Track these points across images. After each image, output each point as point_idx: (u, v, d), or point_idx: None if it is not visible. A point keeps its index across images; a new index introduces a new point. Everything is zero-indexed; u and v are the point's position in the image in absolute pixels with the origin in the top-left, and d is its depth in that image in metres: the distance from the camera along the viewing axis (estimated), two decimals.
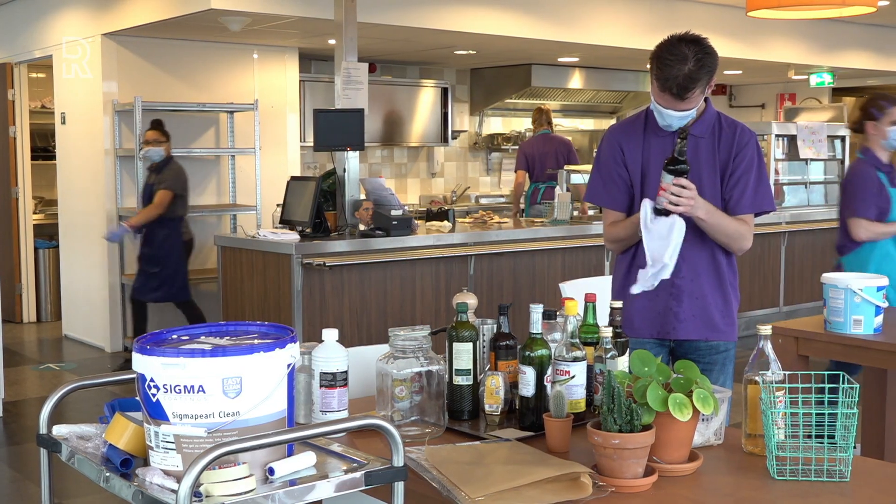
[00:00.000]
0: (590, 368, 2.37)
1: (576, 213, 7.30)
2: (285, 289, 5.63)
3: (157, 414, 1.73)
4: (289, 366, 1.81)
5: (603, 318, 2.54)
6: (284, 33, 7.65)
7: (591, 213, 7.47)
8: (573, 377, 2.30)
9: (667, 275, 2.92)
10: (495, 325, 2.50)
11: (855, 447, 2.14)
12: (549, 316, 2.44)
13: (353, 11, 6.29)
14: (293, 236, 5.76)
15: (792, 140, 8.72)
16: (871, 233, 4.57)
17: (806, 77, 11.37)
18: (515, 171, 8.50)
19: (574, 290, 3.65)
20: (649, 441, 1.98)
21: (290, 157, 8.53)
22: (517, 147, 10.74)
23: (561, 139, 8.52)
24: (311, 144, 6.48)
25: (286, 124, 8.51)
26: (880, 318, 3.60)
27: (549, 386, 2.30)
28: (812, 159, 8.90)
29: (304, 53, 8.74)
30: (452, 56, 9.36)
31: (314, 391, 2.31)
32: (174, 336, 1.91)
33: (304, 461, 1.79)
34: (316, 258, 5.59)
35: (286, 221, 6.15)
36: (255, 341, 1.86)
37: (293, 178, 6.53)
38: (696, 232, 2.98)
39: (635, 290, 2.97)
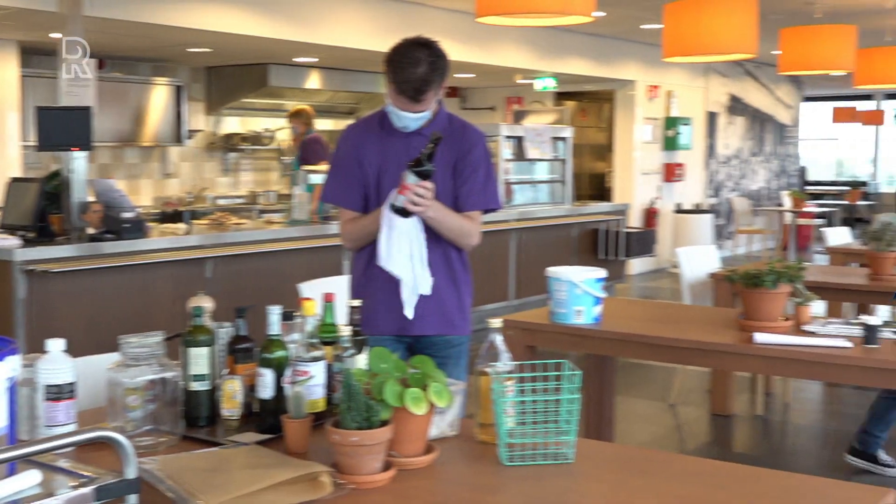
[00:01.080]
0: (329, 368, 2.37)
1: (334, 210, 7.27)
2: (6, 298, 5.26)
3: None
4: (9, 379, 1.70)
5: (342, 317, 2.56)
6: (2, 25, 7.15)
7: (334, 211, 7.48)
8: (312, 377, 2.29)
9: (425, 288, 3.02)
10: (233, 329, 2.46)
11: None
12: (287, 317, 2.42)
13: (78, 4, 5.97)
14: (14, 241, 5.39)
15: (519, 141, 9.13)
16: None
17: (532, 81, 11.94)
18: (318, 163, 8.44)
19: (313, 290, 3.65)
20: (387, 436, 2.01)
21: (10, 158, 7.98)
22: (255, 147, 10.60)
23: None
24: (35, 144, 6.09)
25: (5, 122, 7.96)
26: (599, 308, 3.84)
27: (287, 387, 2.29)
28: (538, 159, 9.35)
29: (26, 47, 8.21)
30: (186, 53, 9.09)
31: (38, 405, 2.17)
32: None
33: (28, 480, 1.68)
34: (40, 265, 5.27)
35: (6, 226, 5.75)
36: None
37: (14, 180, 6.12)
38: (429, 231, 3.06)
39: (409, 314, 3.05)
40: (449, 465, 2.17)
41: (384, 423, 2.02)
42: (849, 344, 3.53)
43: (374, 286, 3.12)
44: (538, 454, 2.17)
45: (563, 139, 9.65)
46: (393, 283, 3.11)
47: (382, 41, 8.01)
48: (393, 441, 2.05)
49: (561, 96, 13.19)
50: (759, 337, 3.63)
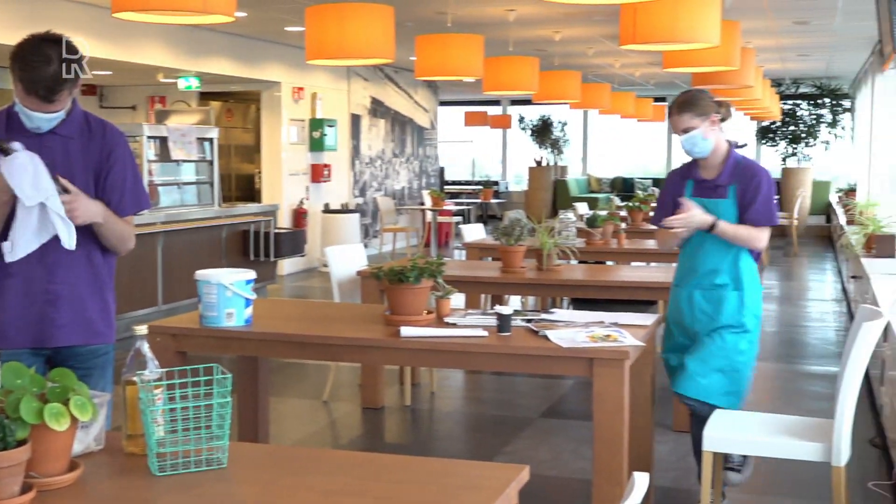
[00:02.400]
0: None
1: None
2: None
3: None
4: None
5: None
6: None
7: None
8: None
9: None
10: None
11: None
12: None
13: None
14: None
15: (163, 142, 8.86)
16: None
17: (175, 81, 11.61)
18: None
19: None
20: (25, 457, 1.87)
21: None
22: None
23: None
24: None
25: None
26: (250, 310, 3.82)
27: None
28: (183, 160, 9.12)
29: None
30: None
31: None
32: None
33: None
34: None
35: None
36: None
37: None
38: (78, 234, 2.89)
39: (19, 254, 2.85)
40: (96, 482, 2.06)
41: (21, 443, 1.88)
42: (485, 333, 3.77)
43: (6, 296, 2.90)
44: (191, 462, 2.12)
45: (209, 140, 9.48)
46: (26, 292, 2.90)
47: (8, 35, 7.45)
48: (32, 461, 1.91)
49: (206, 96, 12.95)
50: (405, 330, 3.78)
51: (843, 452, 3.35)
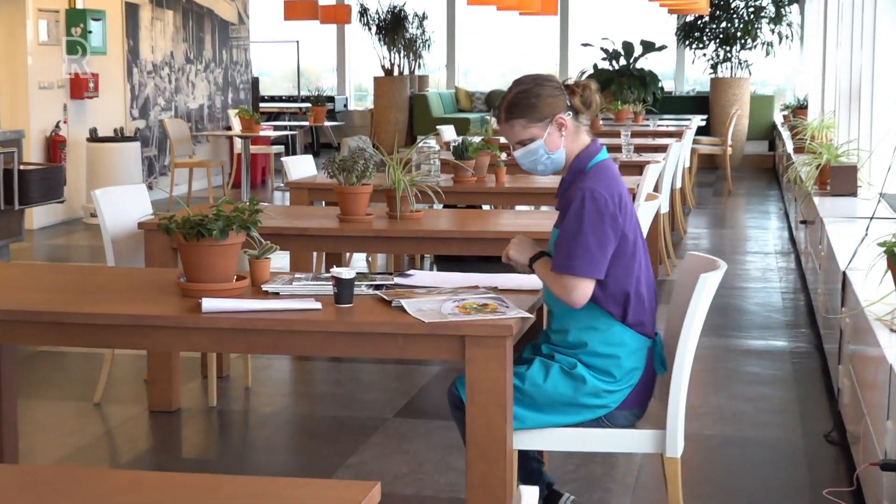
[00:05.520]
0: None
1: None
2: None
3: None
4: None
5: None
6: None
7: None
8: None
9: None
10: None
11: None
12: None
13: None
14: None
15: None
16: None
17: None
18: None
19: None
20: None
21: None
22: None
23: None
24: None
25: None
26: None
27: None
28: None
29: None
30: None
31: None
32: None
33: None
34: None
35: None
36: None
37: None
38: None
39: None
40: None
41: None
42: (318, 305, 3.77)
43: None
44: None
45: None
46: None
47: None
48: None
49: None
50: (208, 303, 3.74)
51: (679, 441, 3.61)
